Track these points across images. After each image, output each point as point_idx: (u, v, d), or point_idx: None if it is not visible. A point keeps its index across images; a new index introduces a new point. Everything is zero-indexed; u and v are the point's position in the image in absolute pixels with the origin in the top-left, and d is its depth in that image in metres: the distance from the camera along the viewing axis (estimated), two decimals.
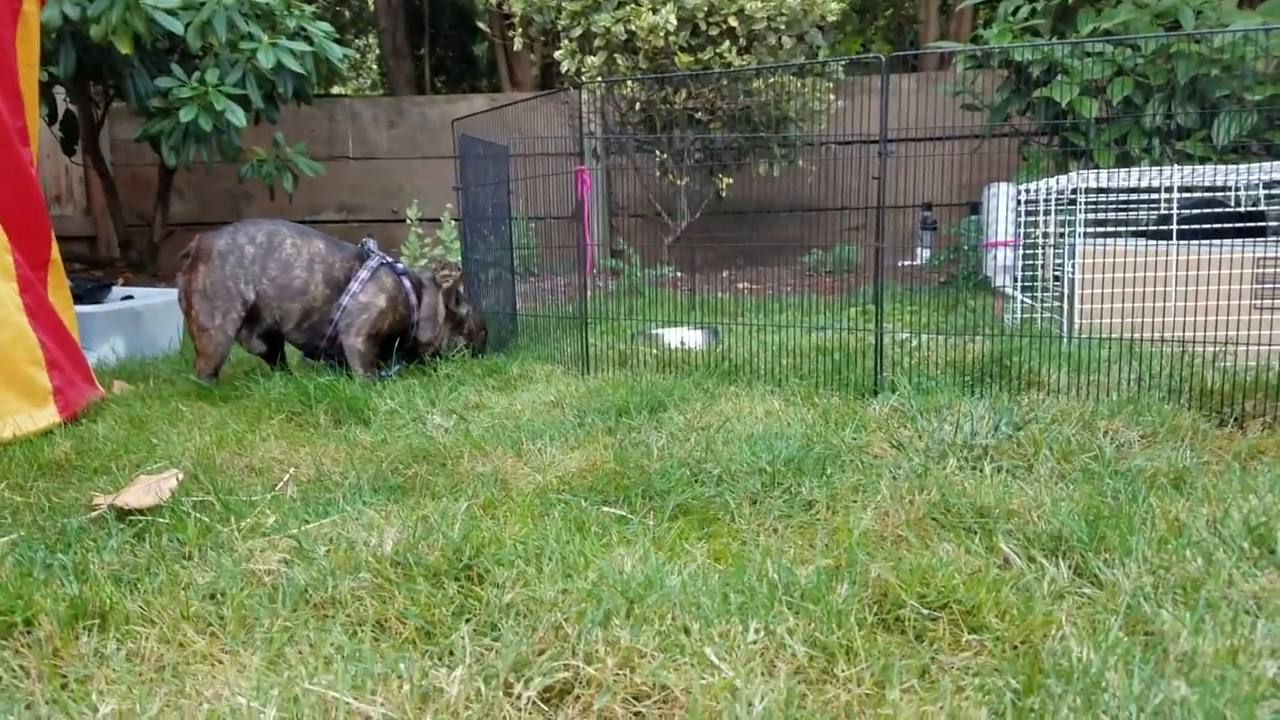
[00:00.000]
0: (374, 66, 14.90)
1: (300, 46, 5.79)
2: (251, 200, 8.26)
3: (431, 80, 12.92)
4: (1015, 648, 1.46)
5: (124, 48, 5.15)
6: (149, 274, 7.09)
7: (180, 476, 2.26)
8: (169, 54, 5.82)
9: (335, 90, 12.98)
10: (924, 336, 3.66)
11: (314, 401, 2.99)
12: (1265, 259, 3.42)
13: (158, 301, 4.38)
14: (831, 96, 6.61)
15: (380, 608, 1.58)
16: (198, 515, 2.02)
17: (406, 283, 3.71)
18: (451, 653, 1.44)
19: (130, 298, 4.46)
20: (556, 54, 6.43)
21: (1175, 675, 1.32)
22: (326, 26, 6.11)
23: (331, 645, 1.46)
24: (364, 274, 3.60)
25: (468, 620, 1.54)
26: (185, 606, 1.60)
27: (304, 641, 1.49)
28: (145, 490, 2.15)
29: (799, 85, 6.50)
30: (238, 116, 5.52)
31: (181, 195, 8.21)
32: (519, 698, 1.32)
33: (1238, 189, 4.25)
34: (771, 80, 6.28)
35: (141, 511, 2.06)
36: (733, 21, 6.01)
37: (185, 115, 5.44)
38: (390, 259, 3.71)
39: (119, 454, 2.53)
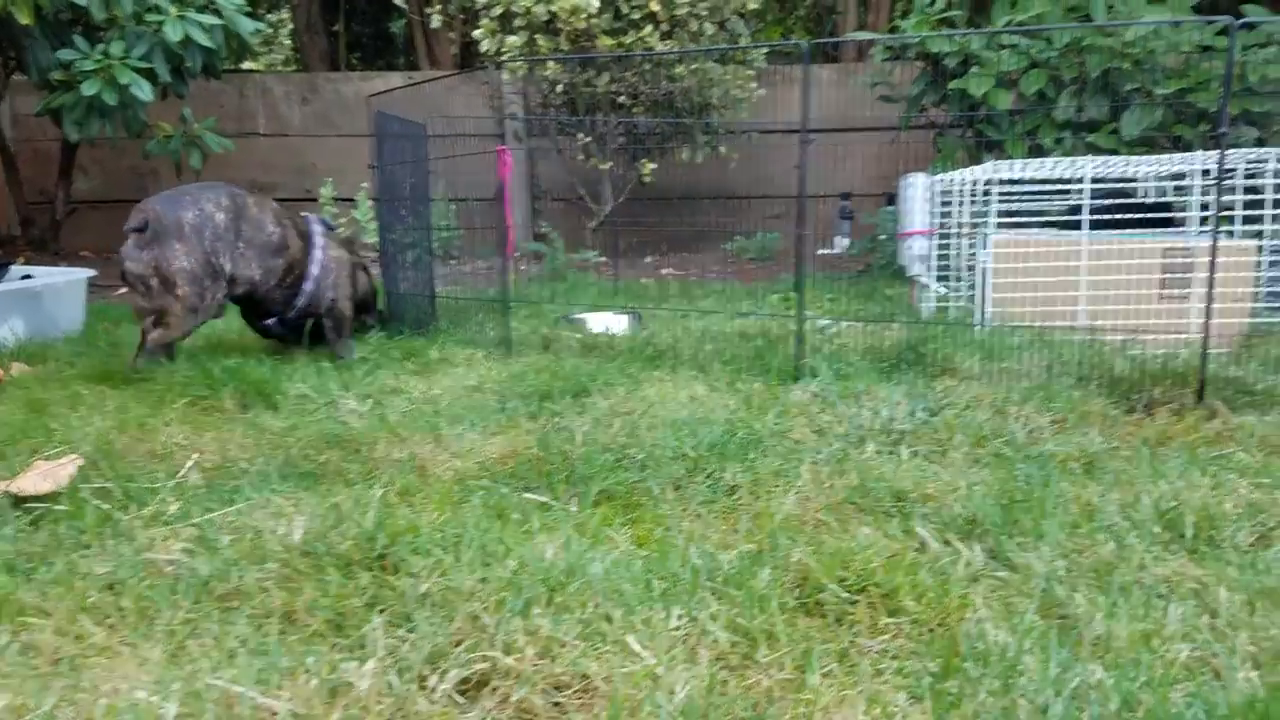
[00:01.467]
0: (287, 42, 14.52)
1: (209, 20, 5.59)
2: (158, 177, 7.97)
3: (347, 57, 12.63)
4: (932, 630, 1.47)
5: (24, 18, 4.91)
6: (51, 252, 6.83)
7: (79, 462, 2.17)
8: (72, 25, 5.57)
9: (246, 65, 12.61)
10: (843, 323, 3.70)
11: (219, 385, 2.89)
12: (1172, 249, 3.52)
13: (59, 281, 4.19)
14: (753, 85, 6.64)
15: (288, 599, 1.53)
16: (97, 503, 1.93)
17: None
18: (363, 645, 1.40)
19: (29, 277, 4.26)
20: (476, 33, 6.32)
21: (1090, 659, 1.34)
22: None
23: (236, 638, 1.41)
24: (318, 228, 3.55)
25: (381, 611, 1.49)
26: (83, 597, 1.53)
27: (207, 634, 1.43)
28: (43, 476, 2.06)
29: (721, 72, 6.51)
30: (143, 91, 5.32)
31: (85, 171, 7.91)
32: (434, 690, 1.28)
33: (1146, 181, 4.37)
34: (694, 66, 6.27)
35: (38, 498, 1.97)
36: (655, 6, 5.98)
37: (88, 89, 5.22)
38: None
39: (15, 438, 2.41)
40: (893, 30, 7.50)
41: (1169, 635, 1.39)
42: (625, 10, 6.02)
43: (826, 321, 3.79)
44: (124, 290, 5.76)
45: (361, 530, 1.71)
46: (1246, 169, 3.74)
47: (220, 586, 1.57)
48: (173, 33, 5.41)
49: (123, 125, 5.63)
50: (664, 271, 6.41)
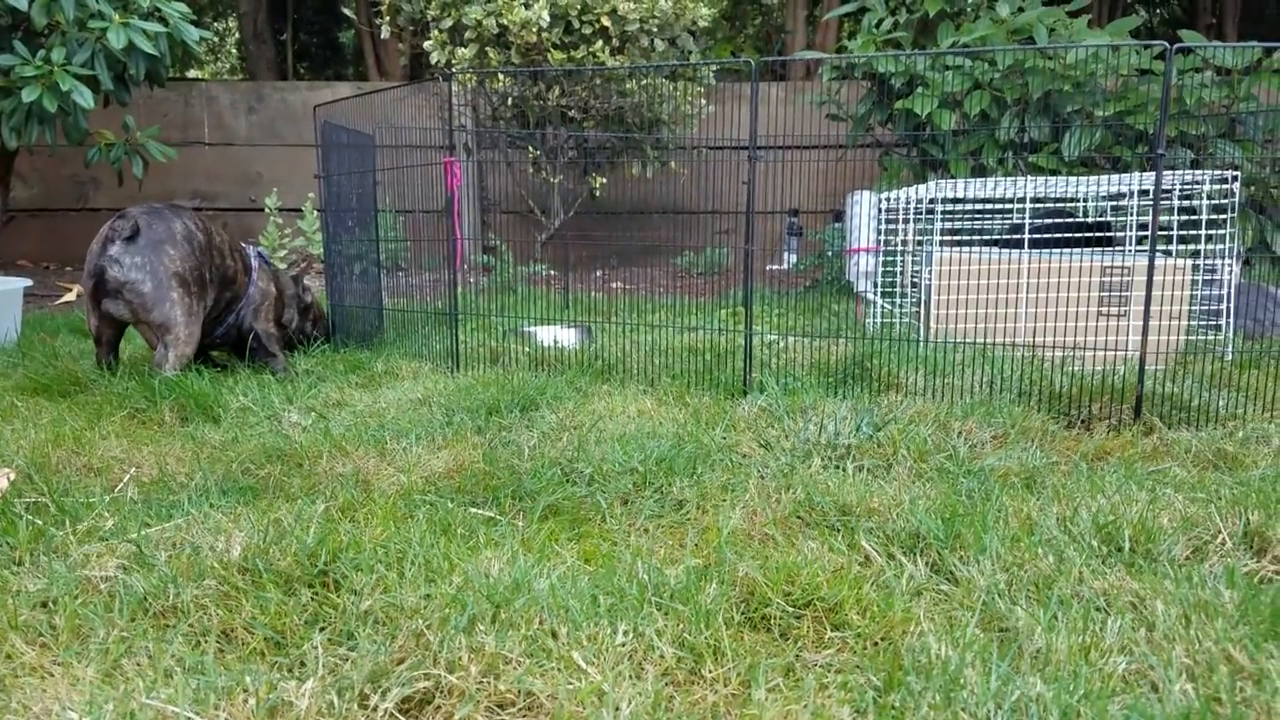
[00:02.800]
0: (233, 50, 14.35)
1: (154, 27, 5.50)
2: (99, 186, 7.84)
3: (294, 66, 12.51)
4: (876, 644, 1.48)
5: None
6: None
7: (12, 476, 2.11)
8: (11, 30, 5.45)
9: (191, 74, 12.44)
10: (790, 339, 3.72)
11: (159, 397, 2.84)
12: (1110, 268, 3.60)
13: None
14: (703, 101, 6.68)
15: (226, 617, 1.50)
16: (30, 518, 1.88)
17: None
18: (303, 664, 1.37)
19: None
20: (426, 44, 6.30)
21: (1030, 672, 1.35)
22: (182, 7, 5.81)
23: (172, 657, 1.37)
24: (255, 261, 3.58)
25: (322, 629, 1.47)
26: (14, 615, 1.49)
27: (142, 653, 1.40)
28: None
29: (671, 88, 6.54)
30: (85, 98, 5.21)
31: (24, 179, 7.74)
32: (375, 710, 1.26)
33: (1085, 201, 4.47)
34: (644, 81, 6.29)
35: None
36: (606, 21, 6.00)
37: (28, 95, 5.10)
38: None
39: None
40: (840, 50, 7.61)
41: (1107, 648, 1.41)
42: (576, 25, 6.04)
43: (774, 336, 3.81)
44: (64, 300, 5.65)
45: (303, 546, 1.68)
46: (1182, 189, 3.84)
47: (157, 604, 1.54)
48: (116, 39, 5.32)
49: (63, 133, 5.52)
50: (614, 285, 6.41)
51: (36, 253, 7.70)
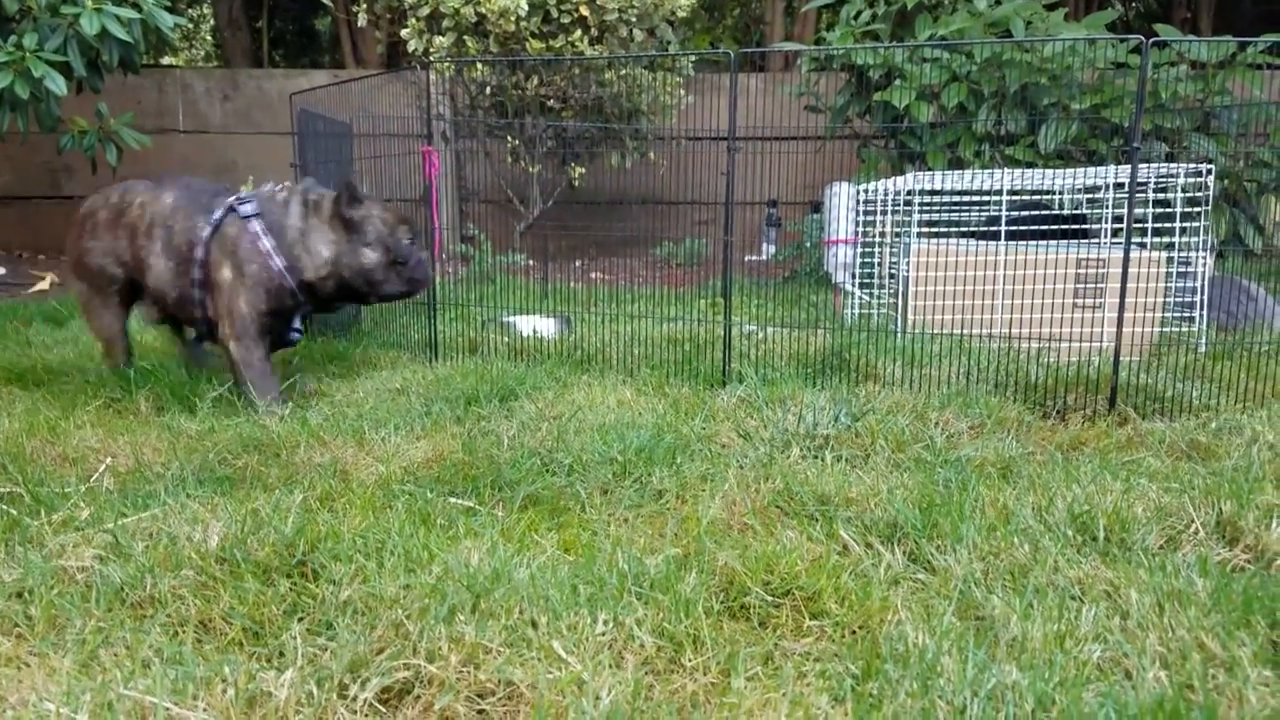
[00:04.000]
0: (208, 37, 14.20)
1: (128, 13, 5.42)
2: (73, 173, 7.75)
3: (270, 54, 12.39)
4: (854, 633, 1.49)
5: None
6: None
7: None
8: None
9: (166, 61, 12.31)
10: (769, 329, 3.73)
11: (135, 387, 2.81)
12: (1086, 260, 3.63)
13: None
14: (681, 92, 6.68)
15: (204, 607, 1.49)
16: (5, 508, 1.87)
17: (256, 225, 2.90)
18: (282, 654, 1.37)
19: None
20: (403, 32, 6.26)
21: (1006, 660, 1.37)
22: None
23: (150, 647, 1.37)
24: (204, 232, 2.91)
25: (300, 619, 1.46)
26: None
27: (120, 643, 1.39)
28: None
29: (650, 78, 6.53)
30: (57, 84, 5.14)
31: None
32: (355, 700, 1.26)
33: (1061, 193, 4.50)
34: (623, 72, 6.28)
35: None
36: (584, 11, 5.99)
37: None
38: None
39: None
40: (819, 42, 7.62)
41: (1082, 636, 1.43)
42: (555, 14, 6.02)
43: (753, 327, 3.82)
44: (37, 289, 5.58)
45: (281, 536, 1.68)
46: (1157, 183, 3.88)
47: (134, 594, 1.53)
48: (89, 25, 5.25)
49: (35, 119, 5.45)
50: (593, 275, 6.40)
51: (9, 240, 7.61)
